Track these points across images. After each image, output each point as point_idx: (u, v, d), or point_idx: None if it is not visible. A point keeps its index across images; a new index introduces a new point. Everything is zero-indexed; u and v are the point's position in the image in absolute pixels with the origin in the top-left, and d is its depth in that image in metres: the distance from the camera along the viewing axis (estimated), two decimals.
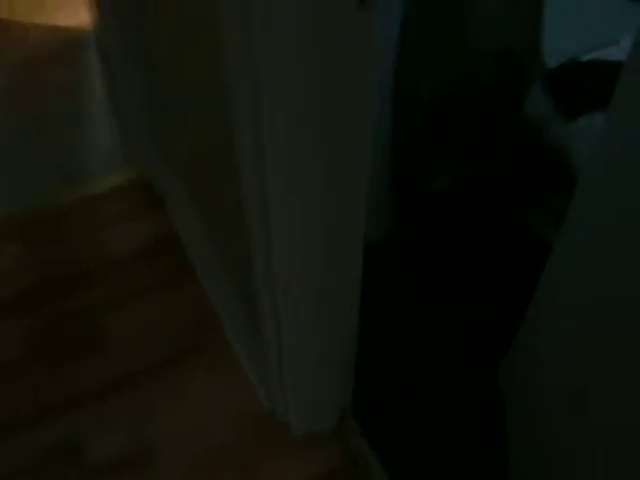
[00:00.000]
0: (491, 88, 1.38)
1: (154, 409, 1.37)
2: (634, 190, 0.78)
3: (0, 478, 1.28)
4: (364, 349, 1.19)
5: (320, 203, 0.83)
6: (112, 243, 1.67)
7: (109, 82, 1.77)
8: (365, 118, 0.76)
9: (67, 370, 1.43)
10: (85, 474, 1.29)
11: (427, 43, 1.31)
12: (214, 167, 1.18)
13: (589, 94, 1.34)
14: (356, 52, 0.67)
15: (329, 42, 0.65)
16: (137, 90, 1.53)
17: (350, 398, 1.29)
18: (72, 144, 1.93)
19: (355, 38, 0.66)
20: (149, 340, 1.48)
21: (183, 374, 1.42)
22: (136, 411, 1.37)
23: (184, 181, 1.50)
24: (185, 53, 1.12)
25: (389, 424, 1.31)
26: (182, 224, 1.63)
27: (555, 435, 1.05)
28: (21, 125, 1.97)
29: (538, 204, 1.50)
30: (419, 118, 1.42)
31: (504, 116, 1.44)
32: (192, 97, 1.18)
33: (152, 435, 1.33)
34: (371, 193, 0.87)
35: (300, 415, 1.26)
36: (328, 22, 0.63)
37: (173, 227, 1.68)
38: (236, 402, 1.37)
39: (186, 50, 1.10)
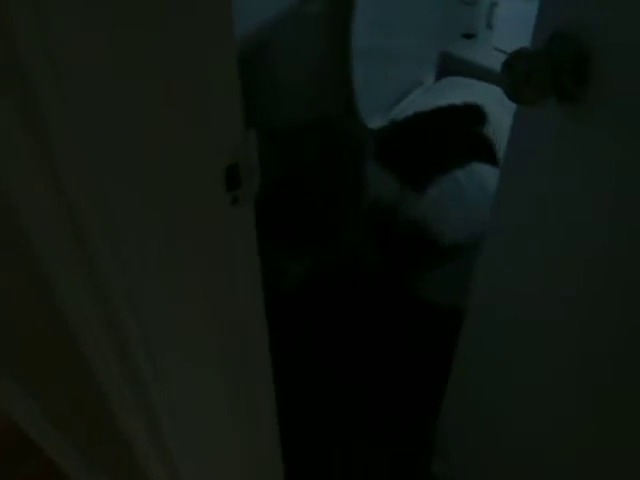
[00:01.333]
0: (320, 166, 1.37)
1: None
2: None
3: None
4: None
5: None
6: None
7: None
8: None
9: None
10: None
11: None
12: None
13: (420, 158, 1.32)
14: (233, 243, 0.62)
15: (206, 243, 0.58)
16: None
17: None
18: None
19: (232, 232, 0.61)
20: None
21: None
22: None
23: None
24: None
25: None
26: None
27: None
28: None
29: (415, 271, 1.49)
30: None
31: (345, 197, 1.42)
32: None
33: None
34: None
35: None
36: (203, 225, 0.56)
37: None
38: None
39: None
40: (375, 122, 1.51)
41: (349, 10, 1.32)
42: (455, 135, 1.33)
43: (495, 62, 1.84)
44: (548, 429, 0.92)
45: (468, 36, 1.89)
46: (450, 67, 1.74)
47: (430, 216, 1.27)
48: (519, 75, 0.65)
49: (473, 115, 1.37)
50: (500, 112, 1.41)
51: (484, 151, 1.31)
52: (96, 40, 0.39)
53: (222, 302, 0.65)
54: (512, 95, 0.66)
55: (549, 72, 0.65)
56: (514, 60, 0.66)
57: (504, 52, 1.87)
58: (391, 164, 1.31)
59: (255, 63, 1.24)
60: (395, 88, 1.57)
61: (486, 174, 1.27)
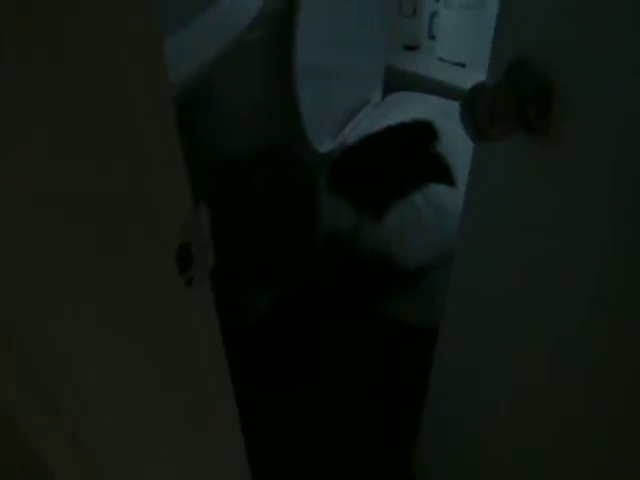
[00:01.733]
0: (271, 196, 1.33)
1: None
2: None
3: None
4: None
5: None
6: None
7: None
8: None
9: None
10: None
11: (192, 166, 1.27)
12: None
13: (375, 183, 1.28)
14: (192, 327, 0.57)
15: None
16: None
17: None
18: None
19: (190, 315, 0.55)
20: None
21: None
22: None
23: None
24: None
25: None
26: None
27: None
28: None
29: (380, 295, 1.46)
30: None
31: (300, 226, 1.38)
32: None
33: None
34: None
35: None
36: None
37: None
38: None
39: None
40: (325, 146, 1.47)
41: (290, 33, 1.27)
42: (408, 155, 1.30)
43: (439, 72, 1.83)
44: (526, 445, 0.90)
45: (411, 48, 1.86)
46: (395, 81, 1.72)
47: (391, 244, 1.23)
48: (482, 114, 0.61)
49: (424, 133, 1.34)
50: (450, 127, 1.39)
51: (438, 170, 1.28)
52: None
53: (187, 398, 0.59)
54: (475, 135, 0.63)
55: (513, 106, 0.61)
56: (474, 97, 0.62)
57: (448, 62, 1.86)
58: (345, 191, 1.27)
59: (199, 97, 1.18)
60: (343, 109, 1.53)
61: (443, 195, 1.24)
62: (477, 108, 0.61)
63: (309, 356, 1.54)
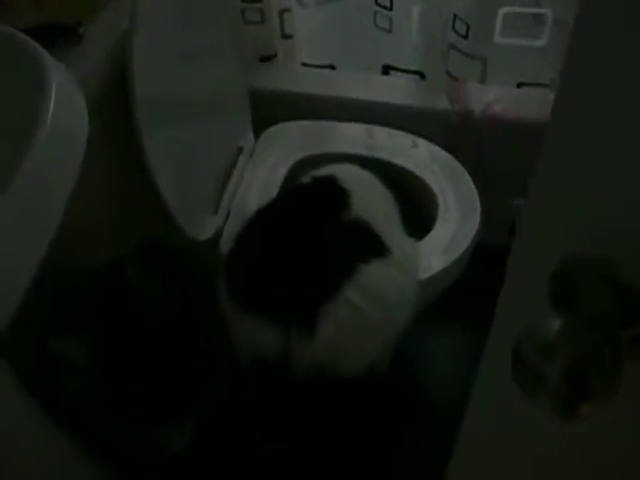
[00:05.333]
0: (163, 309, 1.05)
1: None
2: None
3: None
4: None
5: None
6: None
7: None
8: None
9: None
10: None
11: None
12: None
13: (291, 284, 0.97)
14: None
15: None
16: None
17: None
18: None
19: None
20: None
21: None
22: None
23: None
24: None
25: None
26: None
27: None
28: None
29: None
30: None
31: (203, 343, 1.09)
32: None
33: None
34: None
35: None
36: None
37: None
38: None
39: None
40: (205, 230, 1.14)
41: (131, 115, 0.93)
42: (318, 232, 0.99)
43: (307, 81, 1.53)
44: None
45: (266, 59, 1.54)
46: (262, 107, 1.39)
47: (332, 359, 0.95)
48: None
49: (330, 196, 1.04)
50: (357, 178, 1.11)
51: (362, 241, 0.99)
52: None
53: None
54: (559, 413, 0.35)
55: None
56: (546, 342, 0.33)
57: (314, 66, 1.56)
58: (256, 303, 0.96)
59: None
60: (212, 172, 1.20)
61: (378, 276, 0.96)
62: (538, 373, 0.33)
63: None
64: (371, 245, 0.99)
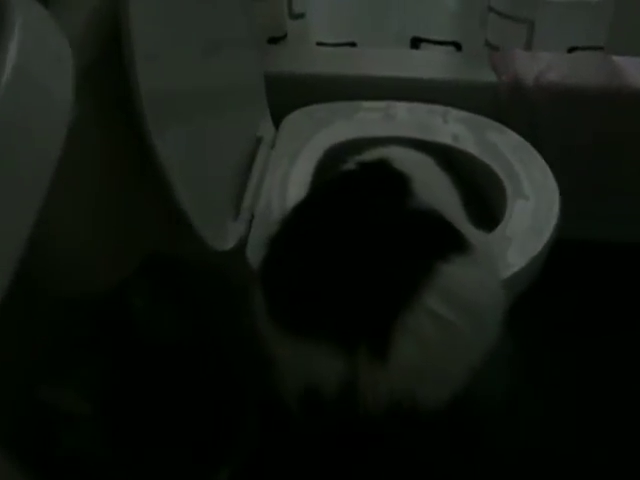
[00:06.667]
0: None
1: None
2: None
3: None
4: None
5: None
6: None
7: None
8: None
9: None
10: None
11: None
12: None
13: (352, 295, 0.74)
14: None
15: None
16: None
17: None
18: None
19: None
20: None
21: None
22: None
23: None
24: None
25: None
26: None
27: None
28: None
29: None
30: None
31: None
32: None
33: None
34: None
35: None
36: None
37: None
38: None
39: None
40: (228, 239, 0.93)
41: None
42: (378, 229, 0.77)
43: (325, 61, 1.33)
44: None
45: (276, 40, 1.33)
46: (275, 93, 1.18)
47: (411, 385, 0.73)
48: None
49: (388, 183, 0.83)
50: (414, 161, 0.90)
51: (436, 234, 0.78)
52: None
53: None
54: None
55: None
56: None
57: (332, 45, 1.35)
58: (309, 323, 0.74)
59: None
60: (232, 173, 0.99)
61: (463, 277, 0.74)
62: None
63: None
64: (449, 239, 0.77)
